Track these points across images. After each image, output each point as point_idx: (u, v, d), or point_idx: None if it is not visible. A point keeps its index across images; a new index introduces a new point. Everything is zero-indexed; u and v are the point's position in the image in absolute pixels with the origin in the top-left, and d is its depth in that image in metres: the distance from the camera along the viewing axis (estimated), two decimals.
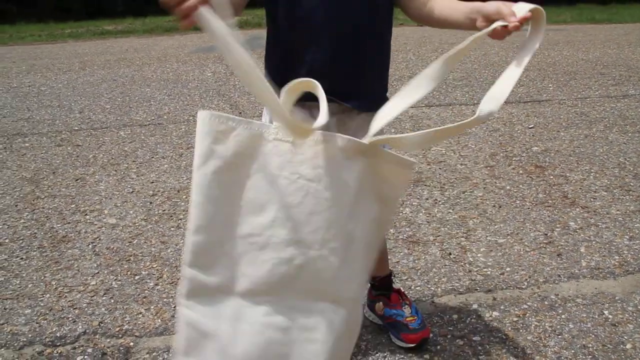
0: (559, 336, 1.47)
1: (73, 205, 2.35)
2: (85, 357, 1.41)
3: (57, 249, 1.99)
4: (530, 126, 3.34)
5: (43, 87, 4.87)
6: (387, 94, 1.29)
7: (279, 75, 1.23)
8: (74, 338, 1.49)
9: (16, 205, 2.37)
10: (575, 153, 2.87)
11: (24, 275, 1.81)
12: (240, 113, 3.75)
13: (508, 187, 2.47)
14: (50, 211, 2.30)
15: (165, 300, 1.67)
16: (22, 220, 2.22)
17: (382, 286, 1.51)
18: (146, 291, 1.72)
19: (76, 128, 3.47)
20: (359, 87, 1.20)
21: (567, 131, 3.24)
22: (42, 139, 3.30)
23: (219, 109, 3.83)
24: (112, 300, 1.67)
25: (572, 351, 1.41)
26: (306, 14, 1.14)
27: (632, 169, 2.63)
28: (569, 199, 2.32)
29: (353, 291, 0.91)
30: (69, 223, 2.18)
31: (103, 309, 1.62)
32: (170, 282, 1.76)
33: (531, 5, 0.92)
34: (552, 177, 2.57)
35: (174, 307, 1.63)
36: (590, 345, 1.43)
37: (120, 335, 1.50)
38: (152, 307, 1.63)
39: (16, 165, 2.86)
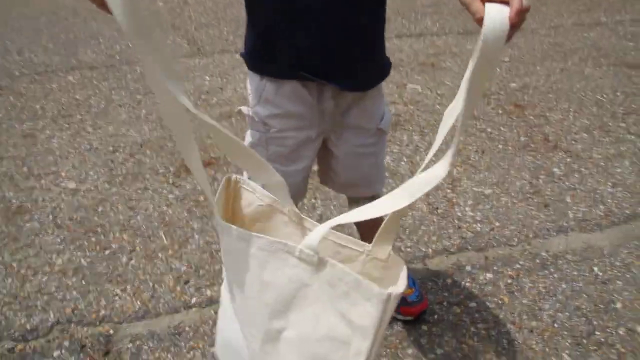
0: (553, 298, 1.45)
1: (25, 169, 2.13)
2: (63, 351, 1.30)
3: (12, 222, 1.80)
4: (505, 59, 3.23)
5: None
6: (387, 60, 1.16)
7: (262, 45, 1.08)
8: (47, 329, 1.37)
9: None
10: (553, 90, 2.80)
11: None
12: (199, 49, 3.47)
13: (489, 130, 2.39)
14: None
15: (141, 278, 1.55)
16: None
17: None
18: (119, 268, 1.59)
19: (17, 73, 3.12)
20: (352, 67, 1.06)
21: (543, 64, 3.15)
22: None
23: (176, 45, 3.52)
24: (84, 282, 1.53)
25: (567, 314, 1.40)
26: None
27: (609, 107, 2.59)
28: (551, 142, 2.28)
29: None
30: (22, 190, 1.98)
31: (75, 293, 1.49)
32: (145, 256, 1.64)
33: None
34: (532, 117, 2.51)
35: (152, 285, 1.52)
36: (583, 306, 1.42)
37: (97, 323, 1.39)
38: (128, 286, 1.52)
39: None
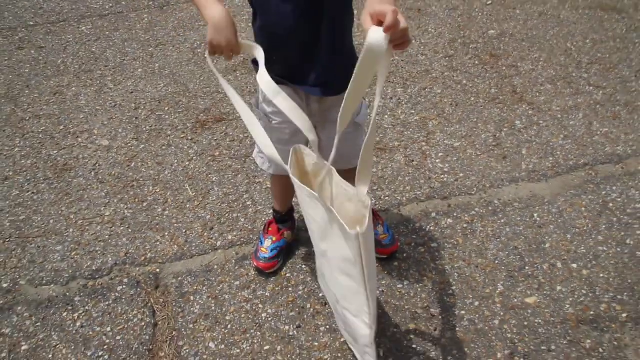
0: (498, 239, 1.87)
1: (61, 127, 2.47)
2: (124, 286, 1.74)
3: (62, 179, 2.18)
4: (488, 2, 3.43)
5: None
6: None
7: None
8: (109, 270, 1.80)
9: (4, 130, 2.46)
10: (528, 37, 3.05)
11: (42, 211, 2.04)
12: None
13: (464, 82, 2.70)
14: (40, 135, 2.42)
15: (175, 225, 1.96)
16: (16, 149, 2.35)
17: None
18: (157, 218, 1.99)
19: (31, 23, 3.34)
20: (333, 76, 1.38)
21: (523, 8, 3.36)
22: None
23: None
24: (130, 230, 1.94)
25: (506, 253, 1.82)
26: (277, 15, 1.28)
27: (576, 56, 2.87)
28: (518, 94, 2.60)
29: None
30: (64, 148, 2.34)
31: (124, 239, 1.91)
32: (176, 207, 2.03)
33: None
34: (504, 67, 2.80)
35: (184, 231, 1.93)
36: (520, 246, 1.84)
37: (146, 264, 1.82)
38: (166, 233, 1.93)
39: None
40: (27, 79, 2.81)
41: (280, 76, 1.38)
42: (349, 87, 1.00)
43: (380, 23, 0.90)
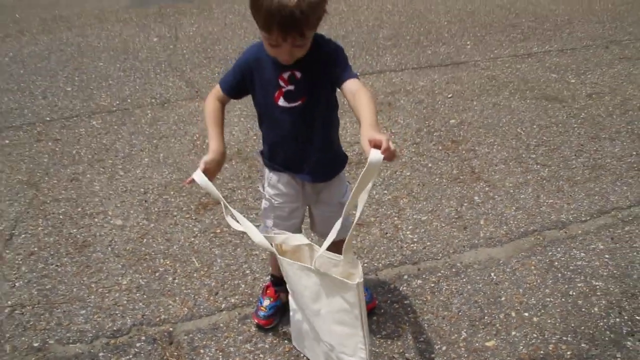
0: (461, 295, 2.20)
1: (79, 209, 2.80)
2: (142, 343, 2.01)
3: (82, 253, 2.48)
4: (449, 96, 3.98)
5: None
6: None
7: (268, 156, 1.79)
8: (128, 330, 2.07)
9: (28, 212, 2.79)
10: (484, 124, 3.55)
11: (65, 281, 2.32)
12: (197, 92, 4.13)
13: (430, 165, 3.14)
14: (61, 216, 2.75)
15: (185, 291, 2.25)
16: (40, 228, 2.67)
17: None
18: (168, 285, 2.29)
19: (48, 119, 3.76)
20: (322, 167, 1.77)
21: (479, 99, 3.90)
22: (19, 133, 3.58)
23: (176, 87, 4.18)
24: (145, 296, 2.23)
25: (468, 306, 2.15)
26: (279, 122, 1.68)
27: (525, 139, 3.36)
28: (476, 174, 3.03)
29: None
30: (82, 227, 2.66)
31: (141, 304, 2.19)
32: (185, 276, 2.34)
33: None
34: (464, 151, 3.26)
35: (193, 296, 2.23)
36: (479, 300, 2.17)
37: (161, 324, 2.10)
38: (177, 298, 2.22)
39: (7, 167, 3.20)
40: (46, 167, 3.18)
41: (281, 166, 1.77)
42: (353, 190, 1.36)
43: (375, 146, 1.30)
